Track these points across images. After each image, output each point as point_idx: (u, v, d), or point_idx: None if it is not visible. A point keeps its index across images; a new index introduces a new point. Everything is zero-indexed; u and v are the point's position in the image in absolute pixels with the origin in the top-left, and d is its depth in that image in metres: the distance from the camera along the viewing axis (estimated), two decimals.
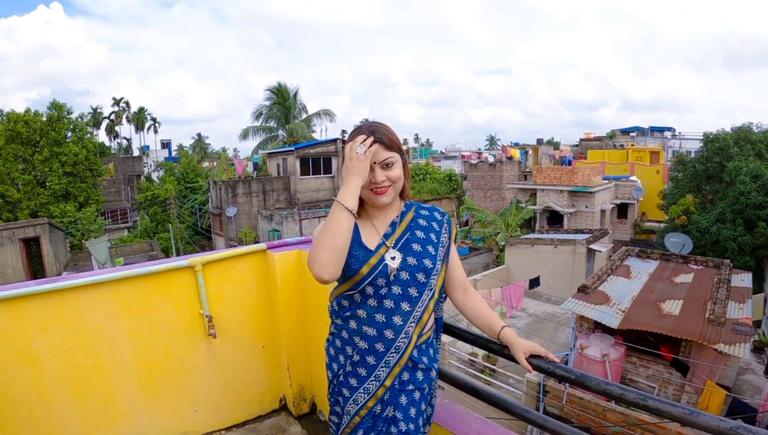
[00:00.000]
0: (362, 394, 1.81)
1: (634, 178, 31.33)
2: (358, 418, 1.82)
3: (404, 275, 1.77)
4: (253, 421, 3.17)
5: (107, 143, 64.01)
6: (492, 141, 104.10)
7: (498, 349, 1.95)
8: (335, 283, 1.88)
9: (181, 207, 37.33)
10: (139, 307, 2.83)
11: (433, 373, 1.91)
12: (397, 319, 1.76)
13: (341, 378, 1.88)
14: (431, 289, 1.82)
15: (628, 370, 10.74)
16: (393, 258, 1.79)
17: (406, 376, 1.82)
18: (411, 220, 1.90)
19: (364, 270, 1.76)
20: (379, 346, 1.78)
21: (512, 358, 1.88)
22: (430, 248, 1.85)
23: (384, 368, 1.79)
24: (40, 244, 22.98)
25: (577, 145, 55.88)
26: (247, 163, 35.64)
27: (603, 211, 27.55)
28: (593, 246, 18.22)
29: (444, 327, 2.16)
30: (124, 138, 70.09)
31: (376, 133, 1.75)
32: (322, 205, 30.92)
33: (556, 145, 66.75)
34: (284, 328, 3.17)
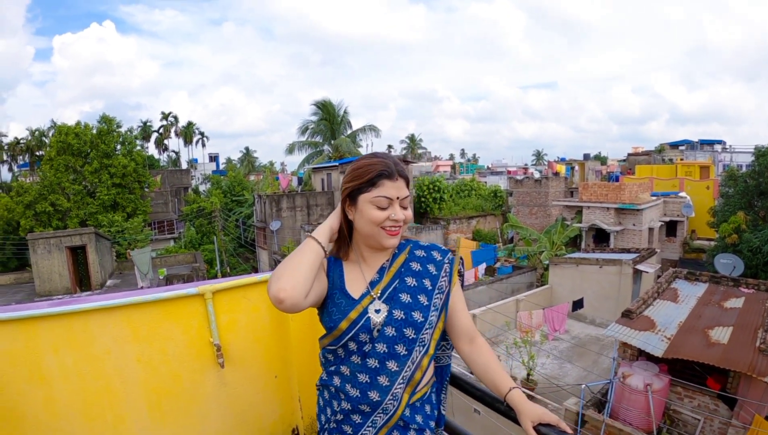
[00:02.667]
0: None
1: (683, 194, 30.51)
2: None
3: (390, 331, 1.64)
4: None
5: (156, 156, 65.61)
6: (539, 156, 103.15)
7: (504, 410, 1.73)
8: (321, 333, 1.75)
9: (227, 219, 37.91)
10: (149, 332, 2.80)
11: (428, 433, 1.75)
12: (382, 380, 1.63)
13: (327, 434, 1.76)
14: (423, 345, 1.67)
15: (672, 401, 10.29)
16: (377, 311, 1.65)
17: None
18: (402, 264, 1.75)
19: (344, 325, 1.64)
20: (365, 407, 1.65)
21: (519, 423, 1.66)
22: (422, 298, 1.69)
23: (370, 428, 1.66)
24: (86, 253, 23.58)
25: (624, 160, 55.02)
26: (292, 177, 36.00)
27: (651, 230, 26.85)
28: (640, 266, 17.74)
29: (452, 379, 2.01)
30: (173, 151, 71.79)
31: (398, 165, 1.66)
32: None
33: (603, 161, 65.86)
34: (296, 359, 3.10)
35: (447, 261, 1.79)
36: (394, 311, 1.65)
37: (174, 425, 2.94)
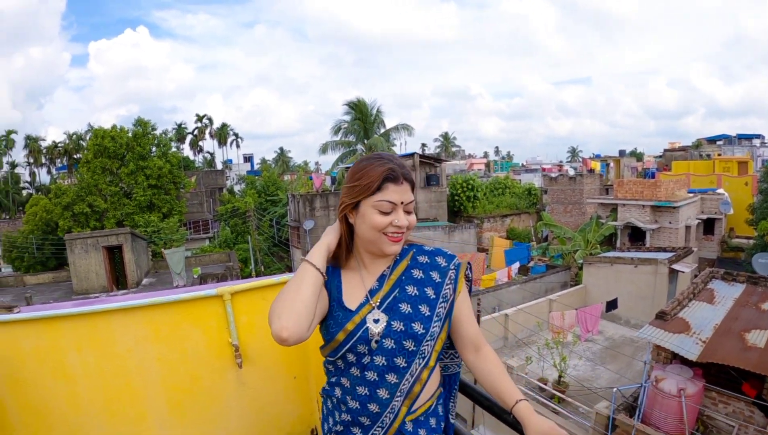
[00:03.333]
0: None
1: (720, 190, 29.75)
2: None
3: (388, 343, 1.56)
4: None
5: (192, 157, 66.57)
6: (574, 153, 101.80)
7: (512, 422, 1.62)
8: (321, 342, 1.69)
9: (261, 219, 38.19)
10: (169, 333, 2.86)
11: None
12: (382, 393, 1.57)
13: None
14: (423, 358, 1.60)
15: (706, 407, 9.94)
16: (376, 321, 1.58)
17: None
18: (403, 272, 1.66)
19: (340, 336, 1.58)
20: (364, 420, 1.60)
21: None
22: (424, 308, 1.60)
23: None
24: (123, 252, 24.07)
25: (660, 156, 53.99)
26: (326, 177, 36.21)
27: (688, 228, 26.24)
28: (676, 266, 17.38)
29: (461, 386, 1.95)
30: (208, 152, 72.72)
31: (403, 168, 1.58)
32: None
33: (639, 157, 64.82)
34: (315, 360, 3.09)
35: (452, 267, 1.69)
36: (393, 322, 1.58)
37: (193, 424, 2.99)
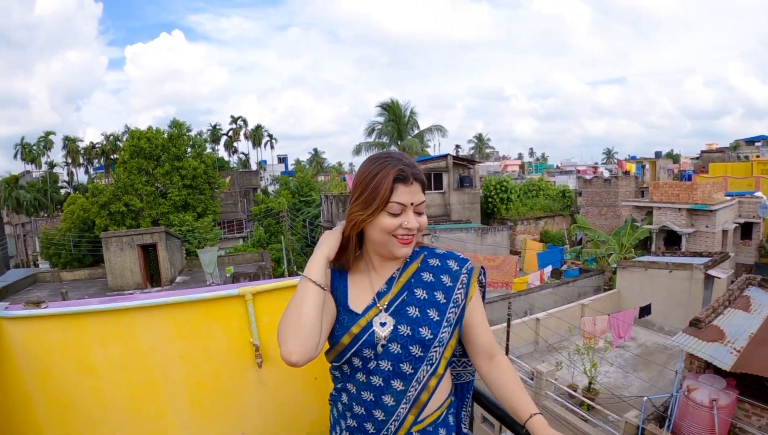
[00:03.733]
0: None
1: (759, 193, 28.73)
2: None
3: (395, 348, 1.51)
4: None
5: (226, 158, 67.37)
6: (609, 154, 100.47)
7: (525, 434, 1.50)
8: (326, 347, 1.63)
9: (294, 219, 38.46)
10: (191, 331, 2.89)
11: None
12: (387, 399, 1.53)
13: None
14: (432, 364, 1.54)
15: (739, 419, 9.62)
16: (383, 324, 1.53)
17: None
18: (413, 275, 1.61)
19: (345, 340, 1.54)
20: (369, 427, 1.56)
21: None
22: (432, 313, 1.55)
23: None
24: (157, 251, 24.46)
25: (697, 158, 52.78)
26: None
27: (725, 232, 25.41)
28: (712, 271, 16.99)
29: (474, 394, 1.88)
30: (243, 153, 73.50)
31: (413, 168, 1.52)
32: (431, 221, 30.60)
33: (675, 158, 63.50)
34: None
35: (465, 271, 1.63)
36: (399, 326, 1.53)
37: (214, 421, 3.02)
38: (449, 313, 1.57)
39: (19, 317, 2.78)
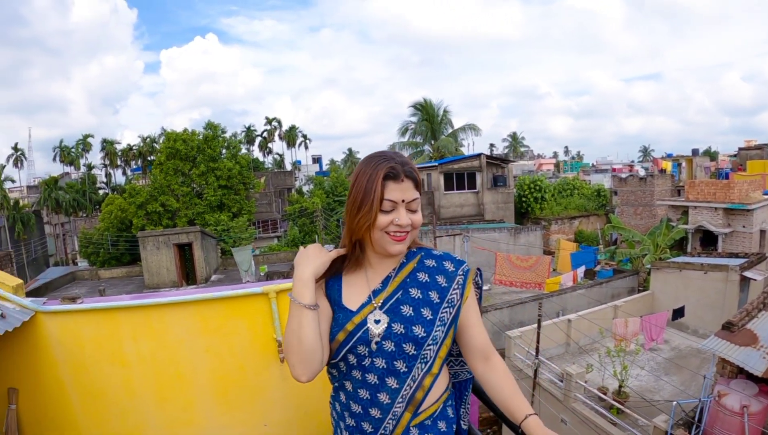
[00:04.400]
0: None
1: None
2: None
3: (388, 345, 1.53)
4: None
5: (261, 159, 67.97)
6: (645, 152, 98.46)
7: (522, 434, 1.53)
8: None
9: (328, 219, 38.67)
10: (217, 326, 3.04)
11: None
12: (383, 397, 1.54)
13: None
14: (426, 363, 1.56)
15: None
16: (377, 321, 1.54)
17: None
18: (409, 274, 1.62)
19: (340, 336, 1.55)
20: (366, 426, 1.58)
21: None
22: (426, 312, 1.56)
23: None
24: (193, 250, 24.92)
25: (735, 155, 51.38)
26: None
27: (763, 232, 24.56)
28: (747, 273, 16.58)
29: (474, 389, 1.90)
30: (277, 154, 74.03)
31: (405, 165, 1.52)
32: (464, 220, 30.74)
33: (713, 156, 62.09)
34: None
35: (461, 273, 1.64)
36: (393, 324, 1.54)
37: (238, 413, 3.16)
38: (442, 312, 1.58)
39: (56, 311, 2.96)
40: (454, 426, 1.70)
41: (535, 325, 12.71)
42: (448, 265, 1.64)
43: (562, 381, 12.09)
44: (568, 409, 11.62)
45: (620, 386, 11.77)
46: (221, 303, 3.01)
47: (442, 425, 1.64)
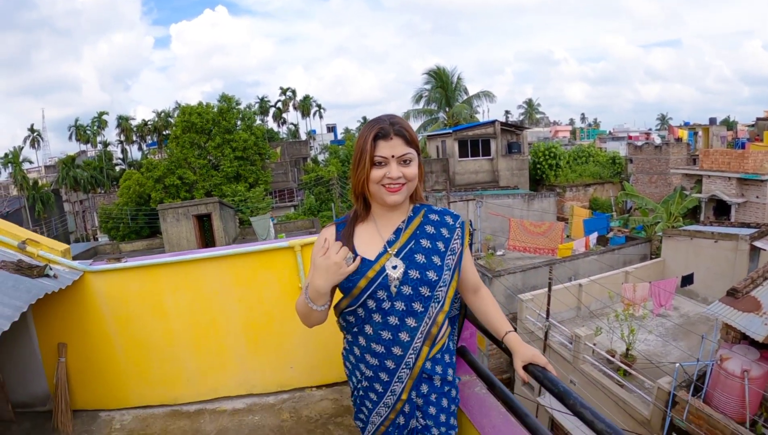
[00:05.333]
0: (383, 408, 1.81)
1: None
2: (384, 428, 1.84)
3: (406, 290, 1.70)
4: (341, 384, 3.56)
5: (276, 129, 67.88)
6: (663, 120, 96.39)
7: (504, 348, 1.91)
8: (338, 297, 1.84)
9: (344, 187, 38.82)
10: (248, 278, 3.39)
11: (451, 377, 1.88)
12: (403, 336, 1.72)
13: (361, 392, 1.87)
14: (438, 302, 1.76)
15: None
16: (394, 267, 1.71)
17: (425, 388, 1.82)
18: (417, 227, 1.80)
19: (362, 283, 1.70)
20: (390, 363, 1.75)
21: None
22: (436, 259, 1.75)
23: (398, 383, 1.76)
24: (211, 220, 25.35)
25: (753, 126, 50.56)
26: None
27: None
28: (758, 243, 16.60)
29: (471, 319, 2.21)
30: (292, 123, 73.86)
31: (395, 125, 1.67)
32: (479, 187, 30.71)
33: (731, 125, 60.84)
34: None
35: (458, 225, 1.85)
36: (409, 271, 1.71)
37: (266, 357, 3.54)
38: (448, 259, 1.77)
39: (103, 271, 3.34)
40: (453, 357, 1.94)
41: (547, 289, 12.96)
42: (449, 219, 1.85)
43: (571, 343, 12.36)
44: (577, 371, 11.89)
45: (627, 349, 12.00)
46: (252, 257, 3.36)
47: (446, 357, 1.87)
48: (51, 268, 3.09)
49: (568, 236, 23.62)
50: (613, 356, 11.94)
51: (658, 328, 13.97)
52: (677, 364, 10.25)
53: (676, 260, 17.79)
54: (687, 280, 15.11)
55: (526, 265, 17.63)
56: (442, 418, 1.84)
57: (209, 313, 3.42)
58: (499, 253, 22.62)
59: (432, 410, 1.82)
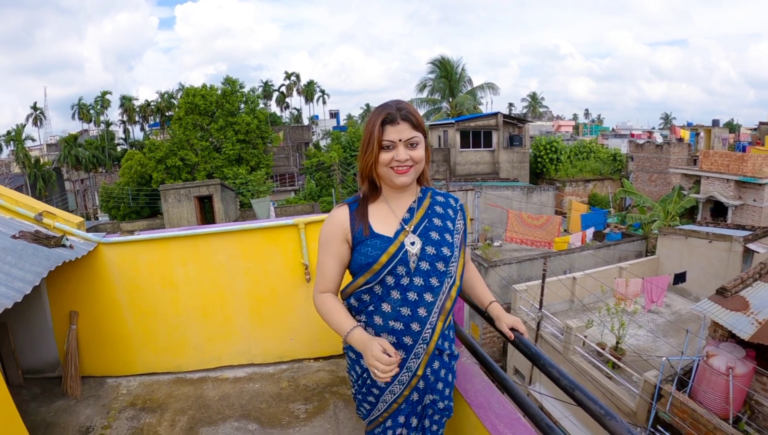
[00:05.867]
0: (398, 386, 1.83)
1: None
2: (396, 405, 1.86)
3: (424, 265, 1.76)
4: (338, 357, 3.77)
5: (279, 114, 67.78)
6: (667, 120, 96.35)
7: (488, 317, 2.05)
8: (348, 279, 1.89)
9: (345, 173, 38.85)
10: (254, 253, 3.59)
11: (456, 352, 1.98)
12: (422, 311, 1.76)
13: (368, 380, 1.89)
14: (452, 277, 1.82)
15: (756, 391, 9.71)
16: (413, 243, 1.77)
17: (436, 364, 1.87)
18: (428, 206, 1.88)
19: (384, 258, 1.74)
20: (408, 340, 1.78)
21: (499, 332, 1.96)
22: (448, 236, 1.83)
23: (414, 360, 1.80)
24: (213, 202, 25.47)
25: (755, 129, 50.65)
26: None
27: None
28: (751, 245, 16.82)
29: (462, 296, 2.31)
30: (295, 108, 73.76)
31: (402, 110, 1.72)
32: (479, 178, 30.77)
33: (734, 128, 60.48)
34: None
35: (459, 207, 1.96)
36: (426, 247, 1.78)
37: (268, 328, 3.75)
38: (455, 237, 1.87)
39: (115, 243, 3.55)
40: (453, 332, 2.03)
41: (541, 281, 13.16)
42: (452, 201, 1.96)
43: (562, 334, 12.58)
44: (566, 361, 12.08)
45: (617, 342, 12.19)
46: (258, 233, 3.57)
47: (450, 333, 1.96)
48: (67, 239, 3.27)
49: (565, 230, 23.78)
50: (603, 349, 12.13)
51: (649, 323, 14.17)
52: (663, 358, 10.45)
53: (671, 258, 17.95)
54: (680, 277, 15.29)
55: (522, 257, 17.82)
56: (447, 392, 1.93)
57: (216, 285, 3.61)
58: (496, 244, 22.81)
59: (440, 385, 1.90)
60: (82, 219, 3.63)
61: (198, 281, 3.60)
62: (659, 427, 10.00)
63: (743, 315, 9.93)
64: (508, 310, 14.39)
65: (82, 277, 3.52)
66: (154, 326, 3.69)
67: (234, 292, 3.64)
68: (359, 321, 1.84)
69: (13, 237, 3.02)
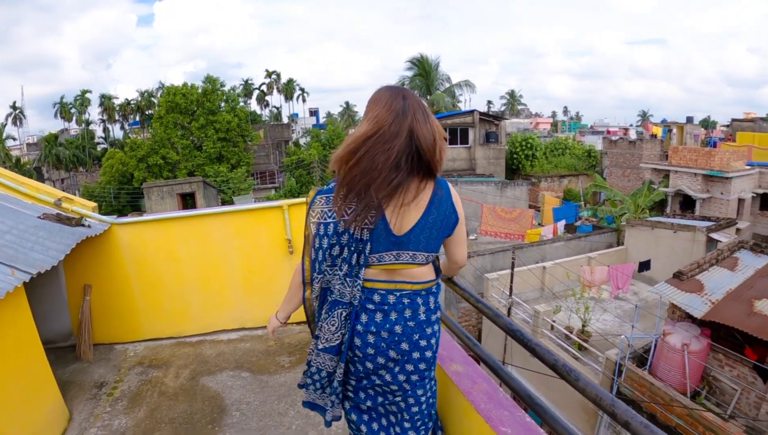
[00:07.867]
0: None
1: None
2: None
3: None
4: None
5: (258, 112, 67.83)
6: (644, 117, 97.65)
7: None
8: None
9: (324, 170, 39.18)
10: (246, 231, 4.21)
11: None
12: None
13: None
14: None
15: (712, 367, 10.33)
16: None
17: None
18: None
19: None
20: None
21: None
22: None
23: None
24: (195, 199, 25.90)
25: (728, 126, 51.85)
26: None
27: (741, 200, 25.05)
28: (714, 235, 17.59)
29: None
30: (275, 106, 73.85)
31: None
32: (455, 174, 31.20)
33: (711, 125, 62.04)
34: None
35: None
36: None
37: (259, 295, 4.36)
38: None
39: (126, 223, 4.14)
40: None
41: (509, 270, 13.81)
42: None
43: (531, 320, 13.27)
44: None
45: (583, 325, 12.88)
46: (249, 213, 4.18)
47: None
48: (86, 220, 3.85)
49: (539, 224, 24.41)
50: (571, 332, 12.79)
51: (616, 310, 14.81)
52: (622, 336, 11.14)
53: (638, 248, 18.52)
54: (644, 265, 15.94)
55: (496, 249, 18.44)
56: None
57: (213, 259, 4.21)
58: (471, 237, 23.35)
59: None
60: (95, 204, 4.20)
61: (197, 256, 4.18)
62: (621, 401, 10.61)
63: (698, 296, 10.64)
64: (481, 296, 15.01)
65: (95, 253, 4.06)
66: (159, 296, 4.25)
67: (228, 266, 4.24)
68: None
69: (39, 218, 3.55)
